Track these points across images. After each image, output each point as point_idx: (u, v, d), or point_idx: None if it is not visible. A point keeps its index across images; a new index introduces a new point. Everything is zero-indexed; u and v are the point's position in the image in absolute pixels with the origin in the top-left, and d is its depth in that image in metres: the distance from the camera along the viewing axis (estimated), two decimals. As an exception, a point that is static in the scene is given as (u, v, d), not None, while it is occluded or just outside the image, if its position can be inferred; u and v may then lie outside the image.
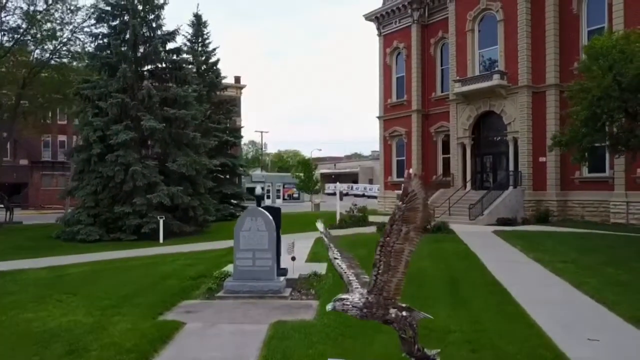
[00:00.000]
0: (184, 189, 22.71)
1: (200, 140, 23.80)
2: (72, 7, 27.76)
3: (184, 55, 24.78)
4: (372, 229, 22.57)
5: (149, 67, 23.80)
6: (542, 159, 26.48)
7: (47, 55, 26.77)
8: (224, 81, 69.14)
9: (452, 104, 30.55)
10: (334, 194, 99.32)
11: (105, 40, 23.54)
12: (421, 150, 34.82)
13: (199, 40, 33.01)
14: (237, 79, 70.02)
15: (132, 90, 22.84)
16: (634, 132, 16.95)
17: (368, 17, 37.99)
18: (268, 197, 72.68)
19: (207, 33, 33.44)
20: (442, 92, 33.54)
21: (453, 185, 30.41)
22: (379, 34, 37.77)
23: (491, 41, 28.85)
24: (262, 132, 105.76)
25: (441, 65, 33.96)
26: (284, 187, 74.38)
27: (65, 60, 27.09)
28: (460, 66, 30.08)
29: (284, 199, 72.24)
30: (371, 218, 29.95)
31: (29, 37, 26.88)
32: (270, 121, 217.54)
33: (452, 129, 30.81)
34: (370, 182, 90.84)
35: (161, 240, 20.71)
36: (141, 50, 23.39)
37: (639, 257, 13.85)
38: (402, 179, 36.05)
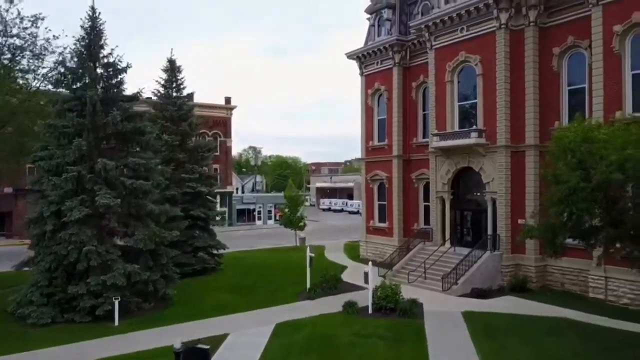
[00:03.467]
0: (143, 262, 21.92)
1: (161, 208, 22.93)
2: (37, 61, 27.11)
3: (146, 123, 23.77)
4: (342, 302, 21.53)
5: (110, 131, 22.83)
6: (521, 221, 25.35)
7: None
8: (215, 101, 69.24)
9: (432, 156, 29.56)
10: (329, 209, 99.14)
11: (65, 105, 22.67)
12: (402, 196, 33.83)
13: (173, 86, 32.11)
14: (228, 100, 69.39)
15: (90, 160, 21.99)
16: (605, 229, 16.02)
17: (350, 56, 36.97)
18: (259, 218, 71.96)
19: (182, 78, 32.55)
20: (423, 138, 32.53)
21: (432, 241, 29.45)
22: (361, 74, 36.75)
23: (471, 94, 27.85)
24: (255, 150, 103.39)
25: (423, 110, 32.94)
26: (275, 208, 73.47)
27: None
28: (439, 118, 29.06)
29: (275, 219, 71.26)
30: (347, 275, 29.14)
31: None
32: (270, 121, 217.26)
33: (432, 181, 29.83)
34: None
35: (116, 323, 20.02)
36: (101, 116, 22.49)
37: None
38: (384, 225, 35.18)
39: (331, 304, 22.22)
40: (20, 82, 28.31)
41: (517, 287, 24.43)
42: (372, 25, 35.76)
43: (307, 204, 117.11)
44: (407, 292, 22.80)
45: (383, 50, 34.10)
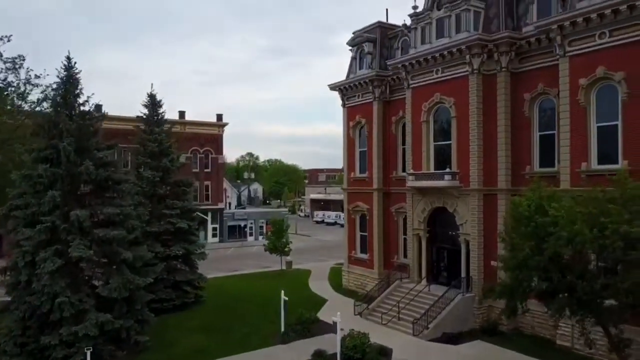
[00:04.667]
0: (117, 309, 22.24)
1: (136, 255, 23.24)
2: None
3: (121, 173, 24.17)
4: (314, 348, 21.79)
5: (85, 180, 23.15)
6: (493, 263, 25.73)
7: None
8: (207, 119, 69.64)
9: (408, 193, 29.92)
10: (323, 221, 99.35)
11: (41, 153, 23.02)
12: (383, 229, 34.17)
13: (155, 120, 32.46)
14: (220, 117, 69.77)
15: (66, 206, 22.33)
16: (557, 296, 16.40)
17: (332, 87, 37.36)
18: (250, 234, 72.30)
19: (162, 112, 32.91)
20: (402, 171, 32.81)
21: (409, 278, 29.79)
22: (343, 105, 37.15)
23: (446, 134, 28.19)
24: (252, 157, 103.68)
25: (402, 144, 33.26)
26: (267, 224, 73.75)
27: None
28: (415, 156, 29.42)
29: (267, 234, 71.41)
30: (325, 311, 29.39)
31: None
32: (271, 120, 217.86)
33: (409, 218, 30.18)
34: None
35: (88, 374, 20.27)
36: (76, 165, 22.82)
37: None
38: (365, 256, 35.52)
39: (303, 350, 22.56)
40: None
41: (488, 330, 24.75)
42: (353, 58, 36.13)
43: (302, 214, 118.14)
44: (380, 335, 23.11)
45: (363, 84, 34.48)
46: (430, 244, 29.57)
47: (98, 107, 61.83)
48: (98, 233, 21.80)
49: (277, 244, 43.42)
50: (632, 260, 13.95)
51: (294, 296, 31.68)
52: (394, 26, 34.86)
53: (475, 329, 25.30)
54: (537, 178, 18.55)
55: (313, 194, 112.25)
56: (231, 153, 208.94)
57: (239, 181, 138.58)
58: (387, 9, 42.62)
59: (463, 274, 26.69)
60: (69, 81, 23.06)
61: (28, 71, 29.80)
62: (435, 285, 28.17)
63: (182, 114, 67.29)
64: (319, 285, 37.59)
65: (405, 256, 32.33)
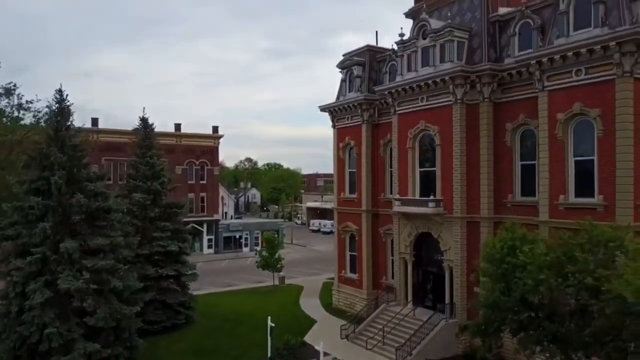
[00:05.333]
0: (104, 337, 22.73)
1: (124, 284, 23.74)
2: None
3: (112, 203, 24.64)
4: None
5: (75, 211, 23.67)
6: (476, 289, 26.25)
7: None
8: (202, 131, 70.26)
9: (395, 217, 30.45)
10: (319, 230, 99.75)
11: (33, 185, 23.55)
12: (371, 249, 34.71)
13: (146, 144, 32.99)
14: (215, 129, 70.38)
15: (57, 236, 22.86)
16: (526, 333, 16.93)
17: (322, 109, 37.93)
18: (246, 245, 72.77)
19: (155, 127, 33.57)
20: (390, 193, 33.37)
21: (396, 300, 30.30)
22: (333, 126, 37.72)
23: (431, 161, 28.72)
24: (248, 167, 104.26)
25: (390, 167, 33.76)
26: (262, 234, 74.30)
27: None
28: (402, 181, 29.96)
29: (262, 246, 71.92)
30: (312, 334, 29.89)
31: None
32: (271, 122, 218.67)
33: (396, 241, 30.70)
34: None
35: (76, 403, 20.76)
36: (67, 196, 23.35)
37: None
38: (354, 276, 36.04)
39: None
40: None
41: (471, 356, 25.19)
42: (343, 80, 36.72)
43: (298, 222, 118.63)
44: (363, 363, 23.57)
45: (352, 107, 35.05)
46: (417, 267, 30.08)
47: (94, 120, 63.10)
48: (87, 264, 22.32)
49: (270, 260, 43.94)
50: (594, 309, 14.46)
51: (283, 316, 32.29)
52: (383, 50, 35.44)
53: (458, 354, 25.80)
54: (512, 223, 18.96)
55: (310, 202, 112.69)
56: (230, 155, 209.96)
57: (236, 189, 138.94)
58: (376, 32, 43.02)
59: (447, 300, 27.19)
60: (61, 114, 23.60)
61: (20, 97, 30.49)
62: (421, 309, 28.68)
63: (177, 126, 68.02)
64: (310, 304, 38.09)
65: (393, 277, 32.83)
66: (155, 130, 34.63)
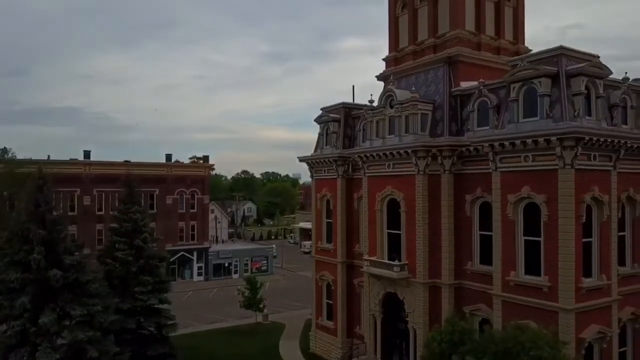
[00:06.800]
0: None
1: (101, 349, 25.07)
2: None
3: (89, 275, 26.02)
4: None
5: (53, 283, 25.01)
6: (439, 351, 27.57)
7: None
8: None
9: (365, 275, 31.76)
10: (310, 252, 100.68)
11: (15, 257, 24.94)
12: (346, 299, 36.01)
13: (131, 199, 34.31)
14: (206, 158, 71.86)
15: (37, 308, 24.22)
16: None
17: (302, 160, 39.33)
18: (235, 272, 74.04)
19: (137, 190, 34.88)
20: (364, 247, 34.73)
21: (366, 355, 31.58)
22: (312, 177, 39.11)
23: (398, 224, 29.97)
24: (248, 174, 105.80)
25: (364, 220, 35.10)
26: (252, 261, 75.69)
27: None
28: (371, 241, 31.29)
29: (252, 272, 73.18)
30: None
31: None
32: (271, 124, 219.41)
33: (365, 298, 31.99)
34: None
35: None
36: (46, 270, 24.71)
37: None
38: (330, 323, 37.31)
39: None
40: None
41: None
42: (320, 134, 38.13)
43: (291, 241, 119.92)
44: None
45: (328, 162, 36.43)
46: (385, 323, 31.34)
47: (87, 153, 64.62)
48: (65, 338, 23.68)
49: (252, 301, 45.24)
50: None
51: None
52: (358, 106, 36.81)
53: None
54: (452, 315, 20.26)
55: (303, 221, 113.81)
56: (230, 159, 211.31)
57: (232, 200, 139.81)
58: (353, 86, 42.64)
59: (412, 359, 28.46)
60: (40, 192, 25.03)
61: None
62: (389, 365, 29.98)
63: (168, 156, 69.62)
64: (288, 348, 39.37)
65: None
66: (148, 161, 36.01)
